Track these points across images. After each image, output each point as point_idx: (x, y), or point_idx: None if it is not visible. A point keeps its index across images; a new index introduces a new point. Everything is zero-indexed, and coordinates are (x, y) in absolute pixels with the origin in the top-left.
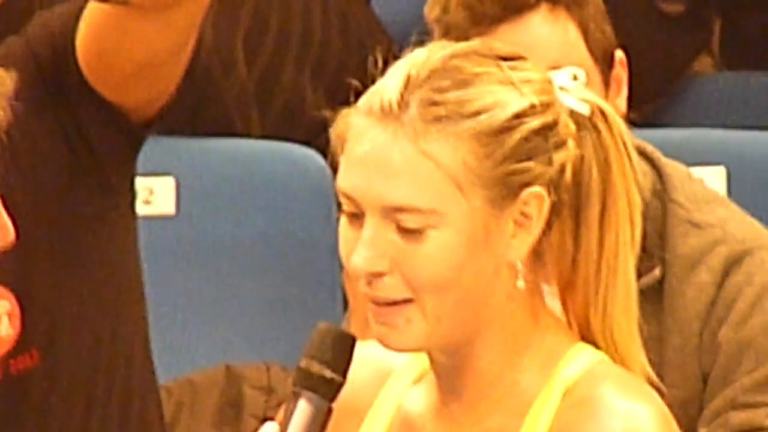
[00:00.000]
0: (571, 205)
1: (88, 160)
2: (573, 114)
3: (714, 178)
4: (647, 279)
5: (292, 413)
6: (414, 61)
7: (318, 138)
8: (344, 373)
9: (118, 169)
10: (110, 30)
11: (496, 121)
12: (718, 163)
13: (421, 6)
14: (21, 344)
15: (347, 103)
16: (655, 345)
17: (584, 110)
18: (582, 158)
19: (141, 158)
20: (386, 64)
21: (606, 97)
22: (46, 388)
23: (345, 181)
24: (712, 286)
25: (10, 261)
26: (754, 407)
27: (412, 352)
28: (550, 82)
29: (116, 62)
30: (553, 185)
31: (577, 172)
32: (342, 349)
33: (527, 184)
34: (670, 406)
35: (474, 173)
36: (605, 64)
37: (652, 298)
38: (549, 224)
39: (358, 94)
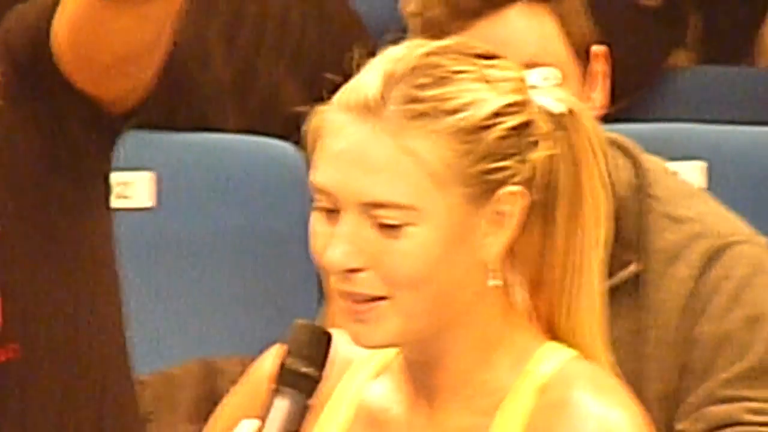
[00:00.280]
0: (542, 204)
1: (65, 153)
2: (546, 113)
3: (693, 172)
4: (624, 273)
5: (269, 409)
6: (392, 57)
7: (295, 132)
8: (321, 369)
9: (95, 162)
10: (86, 22)
11: (474, 119)
12: (698, 158)
13: (397, 0)
14: (1, 337)
15: (324, 97)
16: (633, 339)
17: (557, 109)
18: (553, 157)
19: (118, 153)
20: (364, 58)
21: (582, 91)
22: (25, 380)
23: (321, 176)
24: (691, 280)
25: None
26: (732, 401)
27: (382, 348)
28: (524, 80)
29: (92, 55)
30: (528, 184)
31: (549, 172)
32: (319, 346)
33: (503, 183)
34: (649, 400)
35: (453, 170)
36: (583, 58)
37: (630, 292)
38: (522, 223)
39: (335, 88)
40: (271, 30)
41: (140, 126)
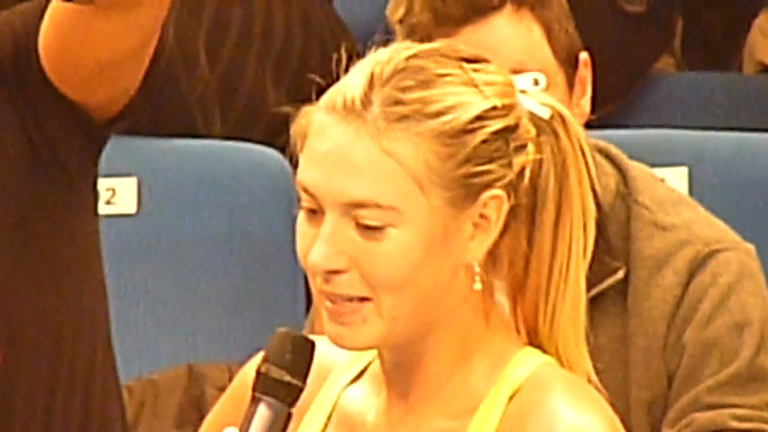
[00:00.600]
0: (527, 208)
1: (50, 159)
2: (533, 118)
3: (676, 178)
4: (611, 280)
5: (251, 418)
6: (378, 59)
7: (280, 137)
8: (304, 378)
9: (80, 168)
10: (73, 29)
11: (458, 122)
12: (680, 164)
13: (383, 5)
14: None
15: (309, 102)
16: (619, 346)
17: (544, 114)
18: (540, 162)
19: (103, 159)
20: (349, 62)
21: (570, 98)
22: (8, 386)
23: (305, 176)
24: (678, 287)
25: None
26: (718, 408)
27: (363, 350)
28: (511, 84)
29: (79, 61)
30: (513, 188)
31: (535, 176)
32: (301, 354)
33: (487, 187)
34: (635, 407)
35: (435, 173)
36: (569, 65)
37: (616, 299)
38: (506, 227)
39: (320, 93)
40: (257, 35)
41: (124, 132)
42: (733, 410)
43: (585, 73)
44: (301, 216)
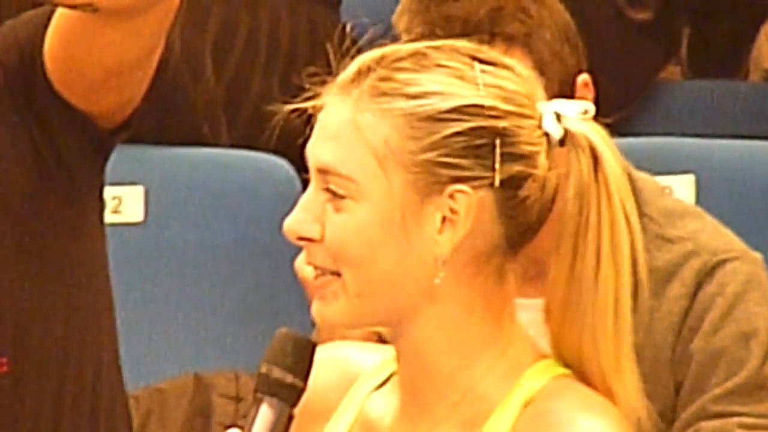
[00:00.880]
0: (570, 229)
1: (56, 168)
2: (567, 139)
3: (683, 186)
4: None
5: (254, 419)
6: (397, 45)
7: (286, 145)
8: (305, 378)
9: (87, 177)
10: (78, 37)
11: (432, 109)
12: (687, 172)
13: (389, 14)
14: None
15: (315, 110)
16: None
17: (555, 136)
18: (575, 185)
19: (109, 167)
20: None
21: None
22: (15, 395)
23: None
24: (685, 297)
25: None
26: (725, 417)
27: (337, 327)
28: (528, 96)
29: (84, 69)
30: (500, 195)
31: (547, 195)
32: (303, 354)
33: (457, 180)
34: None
35: (394, 153)
36: (564, 92)
37: None
38: (511, 242)
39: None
40: (263, 44)
41: (131, 140)
42: (740, 419)
43: (585, 93)
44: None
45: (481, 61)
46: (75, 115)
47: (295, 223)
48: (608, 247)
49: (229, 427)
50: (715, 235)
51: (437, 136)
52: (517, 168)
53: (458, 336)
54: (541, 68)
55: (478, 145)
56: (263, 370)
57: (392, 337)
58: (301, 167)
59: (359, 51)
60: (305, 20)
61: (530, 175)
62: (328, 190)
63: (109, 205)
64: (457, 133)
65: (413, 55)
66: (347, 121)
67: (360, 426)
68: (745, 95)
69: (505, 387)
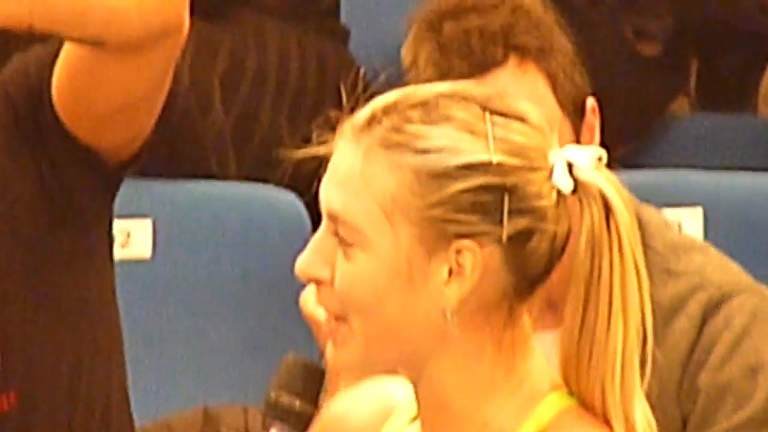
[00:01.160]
0: (581, 280)
1: (64, 203)
2: (578, 189)
3: (691, 218)
4: None
5: None
6: (410, 89)
7: (295, 179)
8: (314, 403)
9: (95, 212)
10: (85, 72)
11: (440, 165)
12: (695, 204)
13: (397, 48)
14: None
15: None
16: None
17: (565, 189)
18: (568, 235)
19: (117, 201)
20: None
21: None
22: (24, 429)
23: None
24: (692, 331)
25: None
26: None
27: (348, 373)
28: (539, 150)
29: (92, 104)
30: (507, 249)
31: (557, 247)
32: (311, 380)
33: (463, 236)
34: None
35: (400, 207)
36: (575, 114)
37: None
38: (520, 290)
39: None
40: (272, 77)
41: (139, 173)
42: None
43: (592, 119)
44: None
45: (493, 112)
46: (83, 149)
47: (306, 265)
48: (619, 304)
49: None
50: (721, 269)
51: (444, 193)
52: (524, 223)
53: (471, 378)
54: (554, 86)
55: (485, 202)
56: (272, 395)
57: (408, 379)
58: (310, 201)
59: (371, 93)
60: (314, 54)
61: (538, 229)
62: (337, 235)
63: (118, 238)
64: (465, 190)
65: (424, 104)
66: (357, 171)
67: None
68: (753, 129)
69: (521, 417)
